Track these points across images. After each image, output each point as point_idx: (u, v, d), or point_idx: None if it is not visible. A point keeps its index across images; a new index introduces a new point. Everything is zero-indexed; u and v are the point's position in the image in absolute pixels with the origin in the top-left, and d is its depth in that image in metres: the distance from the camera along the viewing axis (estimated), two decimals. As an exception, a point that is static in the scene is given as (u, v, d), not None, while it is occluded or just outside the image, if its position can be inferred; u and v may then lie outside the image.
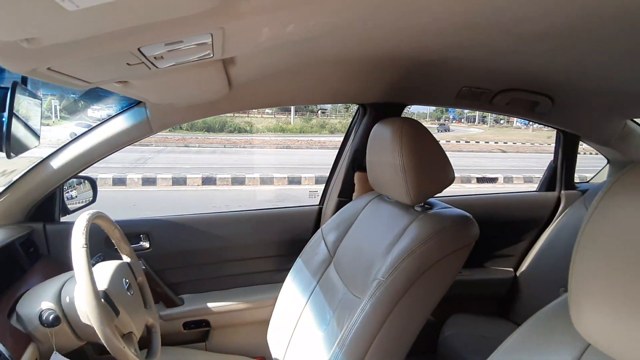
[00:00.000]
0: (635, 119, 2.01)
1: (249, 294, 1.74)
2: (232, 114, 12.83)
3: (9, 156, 0.98)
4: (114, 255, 1.32)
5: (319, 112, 20.10)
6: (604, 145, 2.09)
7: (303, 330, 1.33)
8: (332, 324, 1.22)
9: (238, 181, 7.83)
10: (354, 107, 1.80)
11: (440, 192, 1.23)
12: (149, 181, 7.53)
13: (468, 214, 1.19)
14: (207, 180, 7.74)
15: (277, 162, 9.92)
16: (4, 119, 0.91)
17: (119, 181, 7.43)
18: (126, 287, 1.21)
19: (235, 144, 13.30)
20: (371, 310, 1.07)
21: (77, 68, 0.67)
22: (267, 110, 17.62)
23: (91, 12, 0.41)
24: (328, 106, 19.69)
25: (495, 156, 13.73)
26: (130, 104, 1.44)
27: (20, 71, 0.63)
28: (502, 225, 2.02)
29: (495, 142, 16.42)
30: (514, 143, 15.85)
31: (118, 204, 5.75)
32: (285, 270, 1.52)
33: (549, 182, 2.14)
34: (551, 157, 2.19)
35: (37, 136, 1.24)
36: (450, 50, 1.21)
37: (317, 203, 1.87)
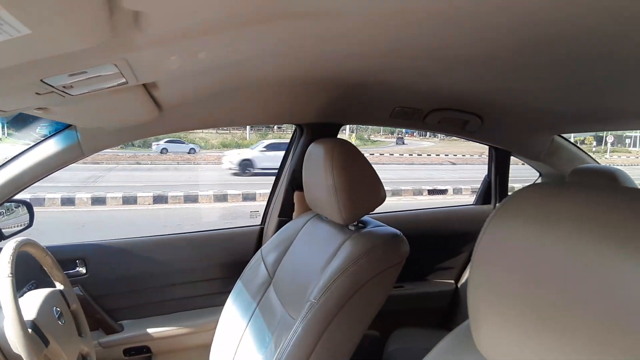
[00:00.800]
0: (562, 134, 2.15)
1: (190, 318, 1.70)
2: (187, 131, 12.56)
3: None
4: (49, 281, 1.27)
5: (275, 127, 20.06)
6: (534, 159, 2.19)
7: (243, 354, 1.31)
8: (270, 347, 1.21)
9: (191, 199, 7.66)
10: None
11: (372, 210, 1.26)
12: (98, 200, 7.25)
13: (398, 232, 1.22)
14: (159, 199, 7.52)
15: (231, 179, 9.79)
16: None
17: (68, 201, 7.12)
18: (57, 315, 1.16)
19: (189, 160, 13.02)
20: (303, 333, 1.08)
21: None
22: (222, 126, 17.31)
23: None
24: (283, 121, 19.64)
25: (446, 168, 14.19)
26: (62, 127, 1.39)
27: None
28: (442, 239, 2.09)
29: (446, 155, 16.95)
30: (463, 155, 16.40)
31: (66, 225, 5.50)
32: (227, 293, 1.50)
33: (484, 196, 2.24)
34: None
35: None
36: (379, 73, 1.24)
37: (259, 223, 1.86)
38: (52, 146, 1.39)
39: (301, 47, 0.91)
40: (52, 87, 0.65)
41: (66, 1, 0.38)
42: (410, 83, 1.38)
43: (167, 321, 1.68)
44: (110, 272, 1.62)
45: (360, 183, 1.22)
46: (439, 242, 2.08)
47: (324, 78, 1.31)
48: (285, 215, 1.76)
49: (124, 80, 0.74)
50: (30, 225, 1.58)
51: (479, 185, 2.32)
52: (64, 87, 0.67)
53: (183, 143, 13.53)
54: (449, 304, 2.11)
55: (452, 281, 2.13)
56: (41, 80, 0.61)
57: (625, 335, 0.39)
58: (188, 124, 1.48)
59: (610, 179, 1.77)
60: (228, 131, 17.81)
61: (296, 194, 1.73)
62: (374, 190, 1.25)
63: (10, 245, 1.05)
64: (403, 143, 19.67)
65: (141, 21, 0.51)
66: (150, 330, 1.64)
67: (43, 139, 1.41)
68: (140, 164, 11.89)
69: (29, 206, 1.57)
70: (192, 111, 1.40)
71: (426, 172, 12.73)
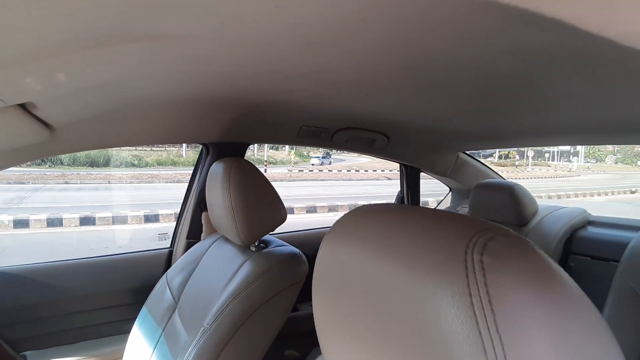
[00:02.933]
0: (466, 152, 2.29)
1: (96, 347, 1.61)
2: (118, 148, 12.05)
3: None
4: None
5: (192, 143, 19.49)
6: (442, 175, 2.32)
7: None
8: None
9: (120, 220, 7.29)
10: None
11: (272, 230, 1.26)
12: (21, 223, 6.70)
13: (297, 251, 1.23)
14: (86, 220, 7.10)
15: (166, 197, 9.48)
16: None
17: (-15, 224, 6.52)
18: None
19: (121, 179, 12.47)
20: (196, 358, 1.05)
21: None
22: (157, 143, 16.77)
23: None
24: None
25: (382, 183, 14.59)
26: None
27: None
28: None
29: (382, 170, 17.45)
30: (398, 170, 16.93)
31: None
32: (134, 320, 1.44)
33: None
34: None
35: None
36: (276, 93, 1.23)
37: (168, 245, 1.82)
38: None
39: (174, 69, 0.90)
40: None
41: None
42: (313, 104, 1.39)
43: (72, 351, 1.58)
44: (11, 300, 1.50)
45: (259, 203, 1.22)
46: None
47: (218, 98, 1.29)
48: (194, 236, 1.73)
49: None
50: None
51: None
52: None
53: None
54: None
55: None
56: None
57: (422, 347, 0.41)
58: (84, 144, 1.42)
59: (509, 192, 1.91)
60: (163, 148, 17.29)
61: (204, 215, 1.70)
62: (273, 210, 1.25)
63: None
64: (330, 157, 20.29)
65: None
66: None
67: None
68: (68, 183, 11.22)
69: None
70: (87, 131, 1.33)
71: (363, 187, 13.03)
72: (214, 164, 1.31)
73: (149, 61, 0.79)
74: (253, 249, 1.25)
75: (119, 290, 1.67)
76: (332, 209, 9.08)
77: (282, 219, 1.28)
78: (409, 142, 1.99)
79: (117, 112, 1.27)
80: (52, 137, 1.22)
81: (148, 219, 7.49)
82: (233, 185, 1.18)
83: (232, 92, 1.23)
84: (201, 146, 1.78)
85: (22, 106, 0.91)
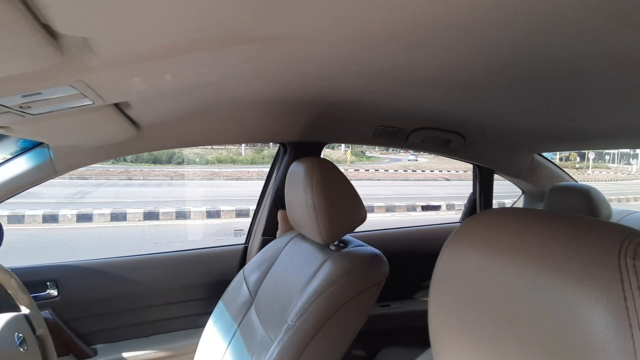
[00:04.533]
0: (541, 153, 2.18)
1: (169, 341, 1.66)
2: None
3: None
4: (14, 304, 1.24)
5: (271, 143, 19.86)
6: (516, 177, 2.22)
7: None
8: None
9: (183, 215, 7.58)
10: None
11: (352, 230, 1.25)
12: (84, 217, 7.06)
13: (378, 252, 1.21)
14: (150, 215, 7.39)
15: (227, 195, 9.75)
16: None
17: (51, 218, 6.91)
18: (18, 342, 1.13)
19: (183, 176, 12.99)
20: (279, 356, 1.06)
21: None
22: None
23: None
24: (279, 137, 19.62)
25: (440, 184, 14.23)
26: (33, 144, 1.37)
27: None
28: (429, 257, 2.07)
29: (440, 171, 17.05)
30: (456, 171, 16.48)
31: (48, 243, 5.36)
32: (208, 314, 1.47)
33: (469, 213, 2.24)
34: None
35: None
36: (357, 93, 1.24)
37: (243, 242, 1.85)
38: (22, 164, 1.34)
39: (268, 69, 0.91)
40: (7, 107, 0.65)
41: None
42: (391, 103, 1.38)
43: (145, 344, 1.63)
44: (84, 294, 1.57)
45: (340, 203, 1.22)
46: (425, 260, 2.06)
47: (302, 98, 1.31)
48: (269, 233, 1.75)
49: (89, 101, 0.74)
50: None
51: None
52: (20, 107, 0.67)
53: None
54: None
55: None
56: None
57: (566, 353, 0.40)
58: (167, 142, 1.47)
59: (584, 196, 1.82)
60: (223, 147, 17.85)
61: (280, 213, 1.72)
62: (354, 209, 1.25)
63: None
64: (416, 159, 20.15)
65: (92, 45, 0.51)
66: (126, 355, 1.58)
67: (13, 155, 1.37)
68: (131, 179, 11.81)
69: (-2, 225, 1.54)
70: (171, 130, 1.39)
71: (420, 188, 12.75)
72: (294, 164, 1.31)
73: (248, 62, 0.80)
74: (333, 248, 1.24)
75: (194, 284, 1.71)
76: (389, 209, 8.98)
77: (362, 219, 1.27)
78: (485, 143, 1.92)
79: (202, 112, 1.31)
80: (137, 135, 1.27)
81: (210, 214, 7.74)
82: (316, 184, 1.18)
83: (315, 92, 1.23)
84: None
85: (117, 105, 0.93)
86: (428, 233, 2.21)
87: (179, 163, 14.65)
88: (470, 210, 2.25)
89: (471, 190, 2.32)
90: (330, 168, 1.23)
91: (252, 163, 16.09)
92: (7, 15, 0.37)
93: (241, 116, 1.45)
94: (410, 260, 1.90)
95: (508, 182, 2.34)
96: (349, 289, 1.10)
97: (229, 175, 13.52)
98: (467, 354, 0.50)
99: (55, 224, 6.81)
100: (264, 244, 1.63)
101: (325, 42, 0.70)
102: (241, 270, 1.50)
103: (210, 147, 17.11)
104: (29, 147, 1.35)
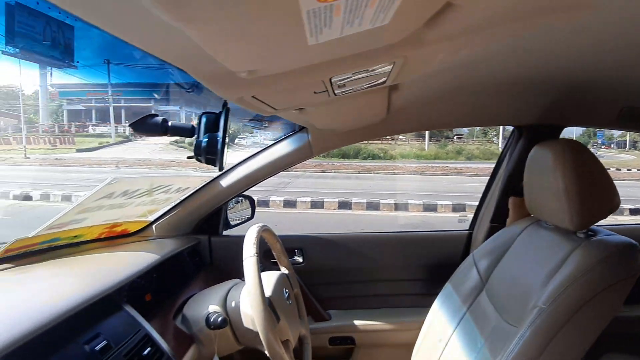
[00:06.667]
0: None
1: (394, 315, 1.75)
2: (366, 141, 13.12)
3: (221, 169, 1.10)
4: (270, 267, 1.44)
5: (455, 137, 19.27)
6: None
7: (450, 356, 1.30)
8: (483, 352, 1.18)
9: (372, 206, 7.92)
10: (492, 132, 1.74)
11: (606, 217, 1.13)
12: (289, 204, 8.03)
13: (635, 242, 1.09)
14: (343, 205, 7.97)
15: (411, 189, 9.77)
16: (218, 138, 1.05)
17: (263, 203, 7.91)
18: (286, 296, 1.30)
19: (369, 170, 13.49)
20: (531, 339, 1.02)
21: (273, 96, 0.74)
22: (400, 136, 17.60)
23: (319, 46, 0.45)
24: (464, 131, 18.94)
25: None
26: (293, 130, 1.57)
27: (230, 98, 0.72)
28: None
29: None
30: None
31: (262, 222, 6.16)
32: (431, 295, 1.49)
33: None
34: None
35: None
36: (610, 70, 1.12)
37: (467, 228, 1.83)
38: (285, 147, 1.58)
39: (541, 44, 0.86)
40: (331, 85, 0.70)
41: None
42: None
43: (372, 315, 1.74)
44: (323, 263, 1.75)
45: (594, 187, 1.12)
46: None
47: (550, 77, 1.24)
48: (498, 221, 1.68)
49: (385, 79, 0.78)
50: (252, 217, 1.82)
51: None
52: (338, 86, 0.72)
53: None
54: None
55: None
56: (329, 78, 0.66)
57: None
58: (407, 126, 1.53)
59: None
60: (407, 142, 17.96)
61: (511, 200, 1.63)
62: (608, 195, 1.13)
63: (253, 229, 1.20)
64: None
65: (448, 13, 0.49)
66: (356, 322, 1.72)
67: (277, 140, 1.61)
68: (325, 172, 12.78)
69: (251, 201, 1.82)
70: (413, 114, 1.44)
71: (625, 189, 10.61)
72: (537, 147, 1.22)
73: (531, 36, 0.76)
74: (581, 235, 1.14)
75: (419, 265, 1.77)
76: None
77: (616, 206, 1.14)
78: None
79: (445, 95, 1.32)
80: (385, 119, 1.33)
81: (398, 207, 7.94)
82: (568, 167, 1.09)
83: (559, 72, 1.17)
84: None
85: (388, 88, 0.96)
86: None
87: (364, 158, 15.29)
88: None
89: None
90: (582, 150, 1.14)
91: (435, 158, 15.80)
92: None
93: (482, 99, 1.43)
94: None
95: None
96: (604, 278, 1.03)
97: (412, 170, 13.54)
98: None
99: (267, 208, 7.83)
100: (492, 231, 1.59)
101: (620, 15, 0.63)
102: (470, 255, 1.47)
103: (394, 142, 17.45)
104: (290, 132, 1.57)
